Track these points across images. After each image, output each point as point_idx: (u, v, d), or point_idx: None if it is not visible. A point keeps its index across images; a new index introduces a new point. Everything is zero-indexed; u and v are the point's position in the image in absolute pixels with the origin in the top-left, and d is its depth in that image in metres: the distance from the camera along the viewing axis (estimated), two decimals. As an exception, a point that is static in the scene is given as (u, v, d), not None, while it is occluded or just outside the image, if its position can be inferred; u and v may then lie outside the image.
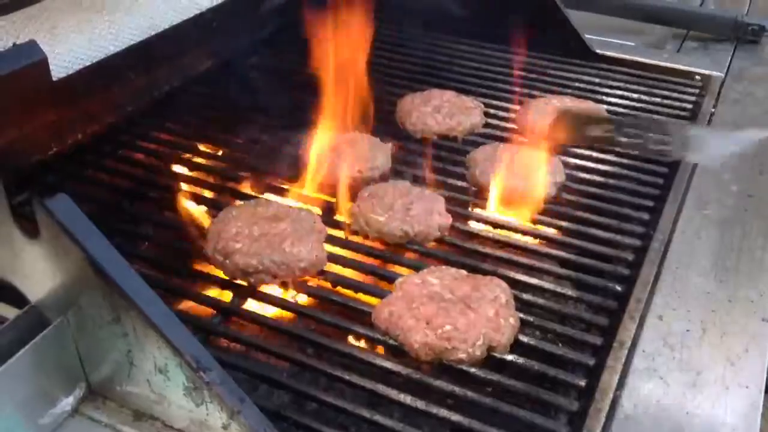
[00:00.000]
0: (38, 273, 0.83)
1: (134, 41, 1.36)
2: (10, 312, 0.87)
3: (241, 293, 1.12)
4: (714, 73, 1.75)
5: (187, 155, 1.48)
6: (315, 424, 0.94)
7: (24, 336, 0.81)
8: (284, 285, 1.13)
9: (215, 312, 1.09)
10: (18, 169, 1.23)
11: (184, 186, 1.40)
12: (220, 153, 1.52)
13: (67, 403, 0.87)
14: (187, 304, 1.14)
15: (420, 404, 0.95)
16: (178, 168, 1.44)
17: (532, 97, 1.64)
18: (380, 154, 1.39)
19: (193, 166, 1.45)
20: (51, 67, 1.15)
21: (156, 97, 1.53)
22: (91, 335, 0.84)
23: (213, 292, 1.14)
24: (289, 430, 0.95)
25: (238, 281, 1.13)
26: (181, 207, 1.34)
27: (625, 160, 1.46)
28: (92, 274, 0.77)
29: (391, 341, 1.03)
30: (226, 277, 1.14)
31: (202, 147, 1.51)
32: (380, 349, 1.06)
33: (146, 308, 0.77)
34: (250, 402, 0.81)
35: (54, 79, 1.17)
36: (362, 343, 1.07)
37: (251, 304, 1.13)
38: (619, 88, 1.70)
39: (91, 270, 0.77)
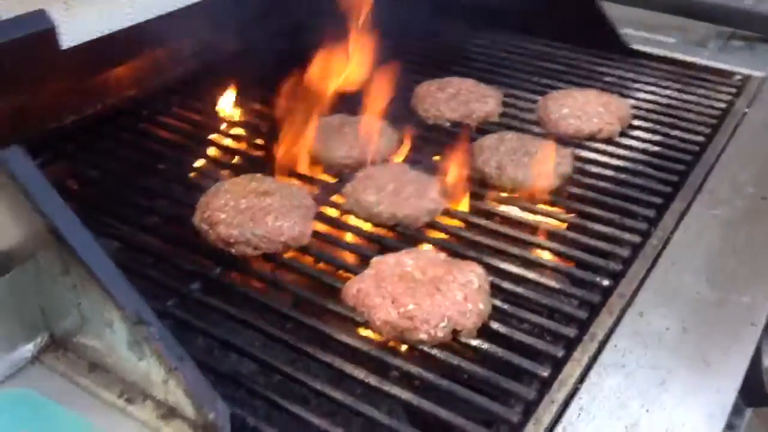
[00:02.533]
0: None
1: (155, 16, 1.40)
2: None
3: (224, 263, 1.14)
4: (755, 73, 1.67)
5: (204, 132, 1.52)
6: (273, 395, 0.95)
7: (-16, 283, 0.85)
8: (266, 257, 1.15)
9: (195, 279, 1.12)
10: (30, 133, 1.29)
11: (197, 162, 1.44)
12: (235, 132, 1.55)
13: (27, 350, 0.91)
14: (173, 271, 1.16)
15: (373, 380, 0.95)
16: (194, 144, 1.48)
17: (557, 89, 1.60)
18: (385, 137, 1.38)
19: (208, 143, 1.48)
20: (63, 38, 1.20)
21: (180, 73, 1.58)
22: (49, 286, 0.88)
23: (197, 261, 1.17)
24: (246, 397, 0.96)
25: (224, 252, 1.15)
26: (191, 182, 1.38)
27: (641, 156, 1.41)
28: (42, 225, 0.80)
29: (358, 318, 1.03)
30: (216, 247, 1.16)
31: (219, 125, 1.54)
32: (347, 326, 1.05)
33: (89, 261, 0.80)
34: (190, 360, 0.83)
35: (63, 48, 1.23)
36: (332, 319, 1.07)
37: (232, 275, 1.15)
38: (650, 84, 1.65)
39: (40, 221, 0.80)
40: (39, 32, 1.11)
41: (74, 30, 1.24)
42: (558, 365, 0.98)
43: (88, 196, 1.31)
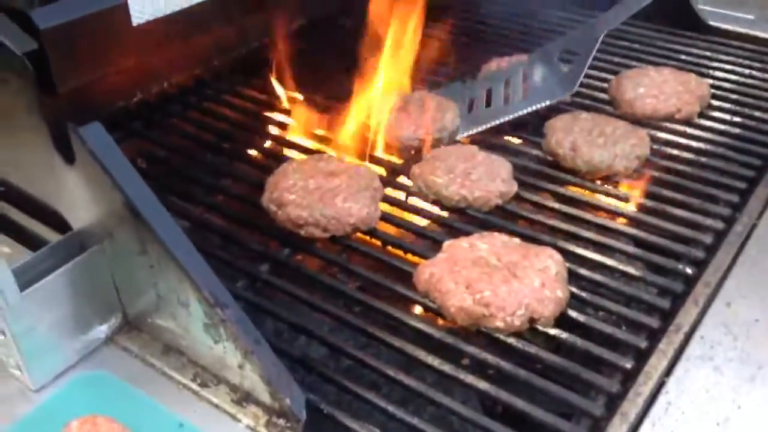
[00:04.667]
0: (78, 201, 0.86)
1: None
2: (56, 237, 0.91)
3: (291, 245, 1.13)
4: (840, 50, 1.58)
5: (270, 112, 1.50)
6: (344, 381, 0.93)
7: (61, 261, 0.85)
8: (334, 240, 1.12)
9: (264, 261, 1.10)
10: (100, 111, 1.28)
11: (262, 141, 1.42)
12: (300, 111, 1.52)
13: (101, 330, 0.90)
14: (241, 252, 1.15)
15: (448, 368, 0.92)
16: (258, 123, 1.46)
17: (630, 67, 1.54)
18: (448, 114, 1.35)
19: (273, 123, 1.47)
20: (132, 14, 1.19)
21: (244, 52, 1.56)
22: (124, 266, 0.87)
23: (265, 242, 1.15)
24: (317, 381, 0.94)
25: (292, 233, 1.13)
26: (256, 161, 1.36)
27: (721, 138, 1.35)
28: (120, 202, 0.79)
29: (430, 303, 1.00)
30: (283, 228, 1.14)
31: (283, 104, 1.53)
32: (419, 311, 1.03)
33: (168, 240, 0.78)
34: (266, 344, 0.81)
35: (134, 24, 1.22)
36: (402, 304, 1.05)
37: (300, 257, 1.13)
38: (729, 62, 1.58)
39: (118, 197, 0.79)
40: (111, 8, 1.10)
41: (144, 7, 1.23)
42: (641, 357, 0.94)
43: (156, 175, 1.31)
